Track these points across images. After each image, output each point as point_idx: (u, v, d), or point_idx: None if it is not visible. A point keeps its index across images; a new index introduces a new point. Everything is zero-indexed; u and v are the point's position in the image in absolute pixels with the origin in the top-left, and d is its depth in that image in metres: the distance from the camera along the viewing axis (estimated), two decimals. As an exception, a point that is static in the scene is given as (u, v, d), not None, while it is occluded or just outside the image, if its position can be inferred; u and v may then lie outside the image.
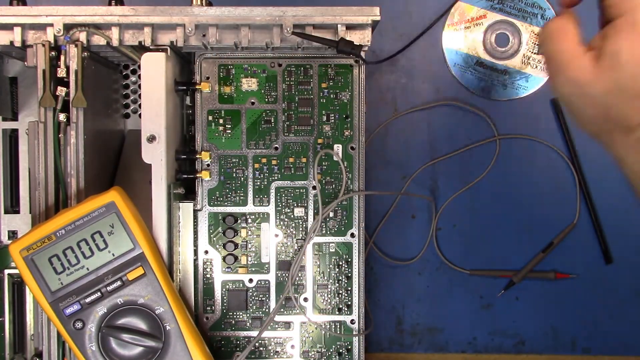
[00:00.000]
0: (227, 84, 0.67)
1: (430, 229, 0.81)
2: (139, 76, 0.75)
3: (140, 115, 0.71)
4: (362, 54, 0.66)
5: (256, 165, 0.67)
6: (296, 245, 0.67)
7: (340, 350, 0.68)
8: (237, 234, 0.67)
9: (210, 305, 0.67)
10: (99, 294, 0.58)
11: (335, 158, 0.67)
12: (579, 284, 0.82)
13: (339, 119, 0.67)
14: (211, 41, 0.62)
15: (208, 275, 0.67)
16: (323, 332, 0.67)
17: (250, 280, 0.67)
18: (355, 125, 0.67)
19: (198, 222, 0.67)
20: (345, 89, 0.67)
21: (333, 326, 0.67)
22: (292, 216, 0.67)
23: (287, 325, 0.67)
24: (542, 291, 0.82)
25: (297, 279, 0.67)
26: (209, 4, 0.64)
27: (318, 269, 0.67)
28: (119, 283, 0.58)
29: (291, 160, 0.67)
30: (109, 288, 0.58)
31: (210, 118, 0.67)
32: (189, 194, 0.67)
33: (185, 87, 0.66)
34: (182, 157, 0.66)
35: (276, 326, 0.67)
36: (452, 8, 0.80)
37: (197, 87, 0.66)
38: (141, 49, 0.63)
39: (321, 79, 0.66)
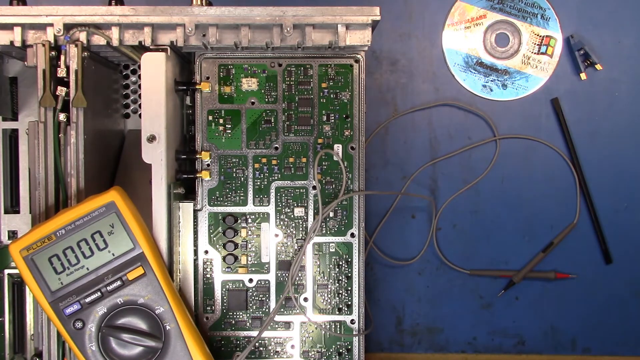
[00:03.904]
0: (227, 84, 0.67)
1: (430, 229, 0.81)
2: (139, 76, 0.75)
3: (140, 115, 0.71)
4: (363, 54, 0.66)
5: (256, 165, 0.67)
6: (296, 245, 0.67)
7: (340, 350, 0.68)
8: (237, 234, 0.67)
9: (210, 305, 0.67)
10: (99, 293, 0.58)
11: (335, 158, 0.67)
12: (579, 284, 0.82)
13: (339, 119, 0.67)
14: (211, 41, 0.62)
15: (208, 275, 0.67)
16: (323, 332, 0.67)
17: (250, 280, 0.67)
18: (355, 125, 0.67)
19: (198, 222, 0.67)
20: (345, 89, 0.67)
21: (333, 326, 0.67)
22: (292, 216, 0.67)
23: (287, 325, 0.67)
24: (542, 291, 0.82)
25: (297, 279, 0.67)
26: (209, 4, 0.64)
27: (318, 269, 0.67)
28: (119, 283, 0.58)
29: (291, 160, 0.67)
30: (109, 288, 0.58)
31: (210, 118, 0.67)
32: (189, 194, 0.67)
33: (185, 87, 0.66)
34: (182, 157, 0.66)
35: (276, 326, 0.67)
36: (452, 8, 0.81)
37: (197, 87, 0.66)
38: (141, 49, 0.63)
39: (321, 79, 0.66)
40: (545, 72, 0.81)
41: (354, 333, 0.67)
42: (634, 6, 0.80)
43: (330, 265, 0.67)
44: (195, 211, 0.66)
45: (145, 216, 0.60)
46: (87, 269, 0.58)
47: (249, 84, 0.67)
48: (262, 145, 0.67)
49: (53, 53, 0.60)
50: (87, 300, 0.58)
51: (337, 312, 0.67)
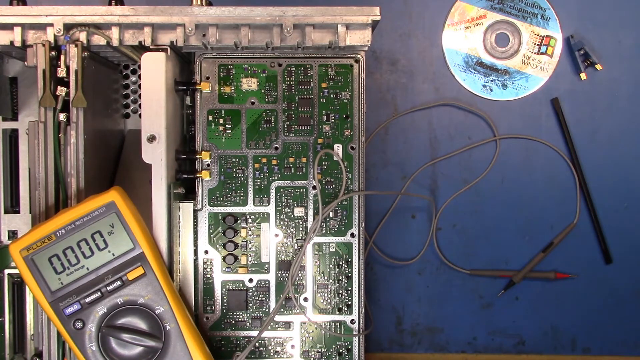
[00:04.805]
0: (227, 84, 0.67)
1: (430, 229, 0.81)
2: (139, 76, 0.75)
3: (140, 115, 0.71)
4: (363, 54, 0.66)
5: (256, 165, 0.67)
6: (296, 245, 0.67)
7: (340, 350, 0.68)
8: (237, 234, 0.67)
9: (210, 305, 0.67)
10: (99, 293, 0.58)
11: (335, 158, 0.67)
12: (579, 284, 0.82)
13: (339, 119, 0.67)
14: (211, 41, 0.62)
15: (208, 275, 0.67)
16: (323, 332, 0.67)
17: (250, 280, 0.67)
18: (355, 125, 0.67)
19: (198, 222, 0.67)
20: (345, 89, 0.67)
21: (333, 326, 0.67)
22: (292, 216, 0.67)
23: (287, 325, 0.67)
24: (542, 291, 0.82)
25: (297, 278, 0.67)
26: (209, 4, 0.64)
27: (318, 269, 0.67)
28: (119, 283, 0.58)
29: (291, 160, 0.67)
30: (109, 288, 0.58)
31: (210, 118, 0.67)
32: (189, 194, 0.67)
33: (185, 87, 0.66)
34: (182, 157, 0.66)
35: (276, 326, 0.67)
36: (452, 8, 0.81)
37: (197, 87, 0.66)
38: (141, 48, 0.63)
39: (321, 79, 0.66)
40: (545, 72, 0.81)
41: (354, 333, 0.67)
42: (634, 6, 0.80)
43: (330, 265, 0.67)
44: (195, 211, 0.66)
45: (145, 216, 0.60)
46: (87, 269, 0.58)
47: (249, 84, 0.67)
48: (262, 145, 0.67)
49: (53, 53, 0.60)
50: (87, 300, 0.58)
51: (337, 312, 0.67)
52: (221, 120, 0.67)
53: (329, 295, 0.67)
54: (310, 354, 0.68)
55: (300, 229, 0.67)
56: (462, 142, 0.81)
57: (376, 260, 0.82)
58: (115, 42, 0.61)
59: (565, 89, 0.81)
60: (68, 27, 0.61)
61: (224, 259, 0.67)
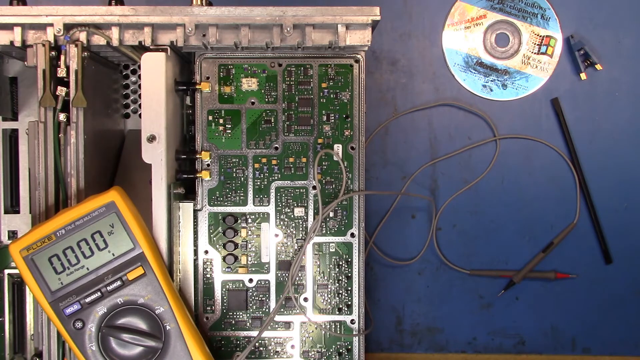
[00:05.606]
0: (227, 84, 0.67)
1: (430, 229, 0.81)
2: (139, 76, 0.75)
3: (140, 115, 0.71)
4: (363, 54, 0.66)
5: (256, 165, 0.67)
6: (296, 245, 0.67)
7: (340, 350, 0.68)
8: (237, 234, 0.67)
9: (210, 305, 0.67)
10: (99, 293, 0.58)
11: (335, 158, 0.67)
12: (579, 284, 0.82)
13: (339, 119, 0.67)
14: (211, 41, 0.62)
15: (208, 275, 0.67)
16: (323, 332, 0.67)
17: (250, 280, 0.67)
18: (355, 125, 0.67)
19: (198, 222, 0.67)
20: (345, 89, 0.67)
21: (333, 326, 0.67)
22: (292, 216, 0.67)
23: (287, 325, 0.67)
24: (542, 291, 0.82)
25: (297, 278, 0.67)
26: (209, 4, 0.64)
27: (318, 269, 0.67)
28: (119, 283, 0.58)
29: (291, 160, 0.67)
30: (109, 288, 0.58)
31: (210, 118, 0.67)
32: (189, 194, 0.67)
33: (185, 87, 0.66)
34: (182, 157, 0.66)
35: (276, 326, 0.67)
36: (452, 8, 0.81)
37: (197, 87, 0.66)
38: (141, 49, 0.63)
39: (321, 79, 0.66)
40: (545, 72, 0.81)
41: (354, 333, 0.67)
42: (634, 6, 0.80)
43: (330, 265, 0.67)
44: (195, 211, 0.66)
45: (145, 216, 0.60)
46: (87, 269, 0.58)
47: (249, 84, 0.67)
48: (262, 145, 0.67)
49: (53, 53, 0.60)
50: (87, 300, 0.58)
51: (337, 312, 0.67)
52: (221, 120, 0.67)
53: (329, 295, 0.67)
54: (310, 354, 0.68)
55: (300, 229, 0.67)
56: (462, 142, 0.81)
57: (376, 260, 0.82)
58: (115, 42, 0.61)
59: (565, 89, 0.81)
60: (68, 27, 0.61)
61: (224, 259, 0.67)
